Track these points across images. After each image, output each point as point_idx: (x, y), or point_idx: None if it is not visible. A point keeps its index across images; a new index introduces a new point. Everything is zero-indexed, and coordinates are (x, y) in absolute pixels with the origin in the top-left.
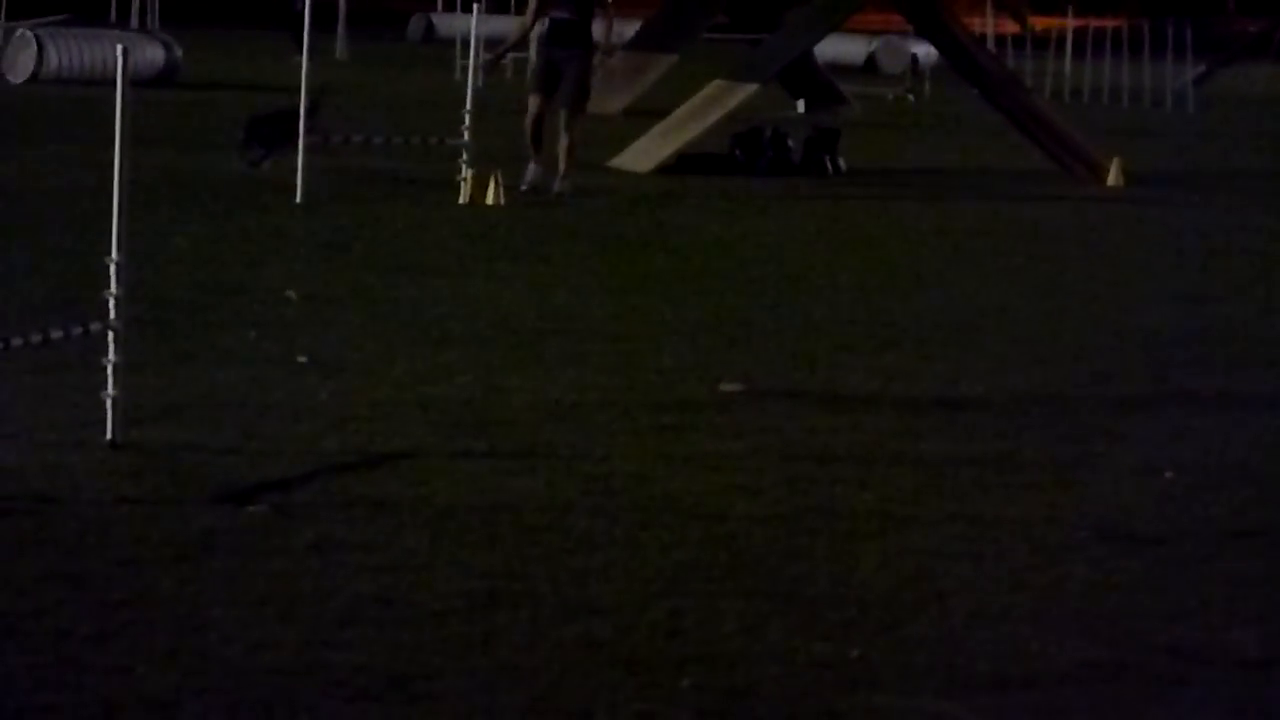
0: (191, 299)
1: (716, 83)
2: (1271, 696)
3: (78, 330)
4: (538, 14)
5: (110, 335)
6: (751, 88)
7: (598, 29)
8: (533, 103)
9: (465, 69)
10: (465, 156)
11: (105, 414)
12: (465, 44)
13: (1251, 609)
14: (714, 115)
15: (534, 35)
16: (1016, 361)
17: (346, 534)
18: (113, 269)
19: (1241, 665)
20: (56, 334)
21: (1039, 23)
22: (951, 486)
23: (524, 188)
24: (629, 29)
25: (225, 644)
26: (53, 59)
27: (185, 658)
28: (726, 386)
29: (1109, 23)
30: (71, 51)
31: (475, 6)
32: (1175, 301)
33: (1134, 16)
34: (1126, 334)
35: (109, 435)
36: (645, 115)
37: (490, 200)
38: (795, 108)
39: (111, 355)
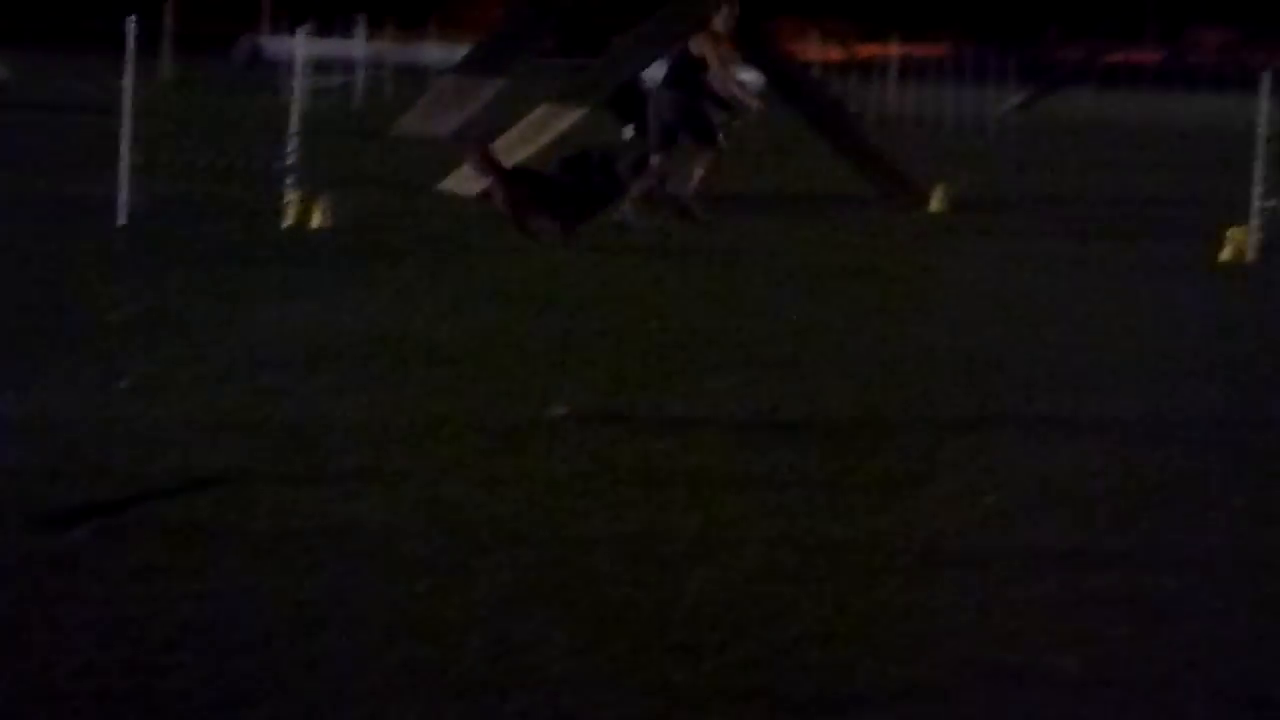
0: (10, 322)
1: (544, 107)
2: (1091, 717)
3: None
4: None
5: None
6: (579, 112)
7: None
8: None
9: (293, 92)
10: (290, 180)
11: None
12: (292, 67)
13: (1071, 631)
14: (542, 139)
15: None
16: (841, 384)
17: (170, 559)
18: None
19: (1062, 687)
20: None
21: (863, 50)
22: (778, 508)
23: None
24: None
25: (47, 669)
26: None
27: (4, 684)
28: (554, 410)
29: (932, 50)
30: None
31: (300, 30)
32: (996, 325)
33: (957, 44)
34: (949, 357)
35: None
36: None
37: (316, 223)
38: (624, 132)
39: None
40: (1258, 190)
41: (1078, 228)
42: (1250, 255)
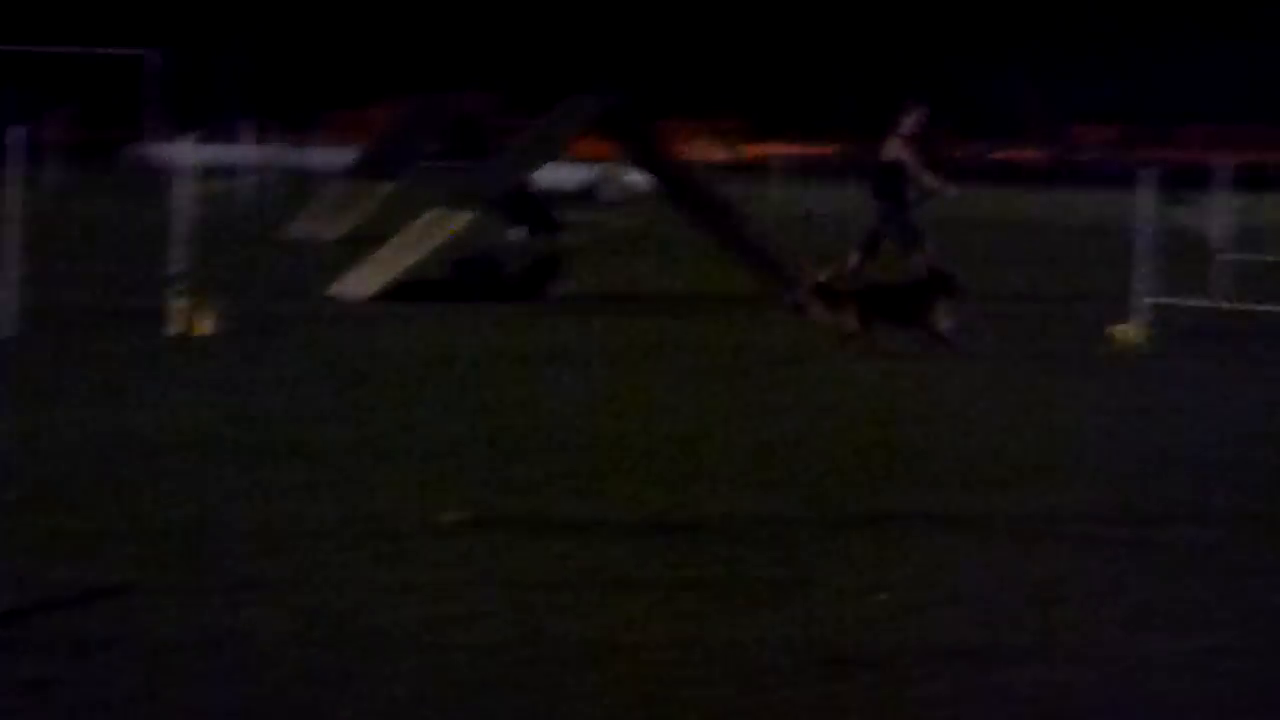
0: None
1: (435, 210)
2: None
3: None
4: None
5: None
6: (470, 214)
7: None
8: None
9: (180, 198)
10: (178, 287)
11: None
12: (180, 173)
13: None
14: (432, 242)
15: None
16: (734, 484)
17: (61, 671)
18: None
19: None
20: None
21: (751, 150)
22: (671, 611)
23: None
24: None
25: None
26: None
27: None
28: (447, 515)
29: (820, 150)
30: None
31: (187, 136)
32: (887, 421)
33: (845, 143)
34: (845, 455)
35: None
36: (364, 242)
37: (203, 329)
38: (514, 234)
39: None
40: (1141, 286)
41: (967, 324)
42: (1135, 350)
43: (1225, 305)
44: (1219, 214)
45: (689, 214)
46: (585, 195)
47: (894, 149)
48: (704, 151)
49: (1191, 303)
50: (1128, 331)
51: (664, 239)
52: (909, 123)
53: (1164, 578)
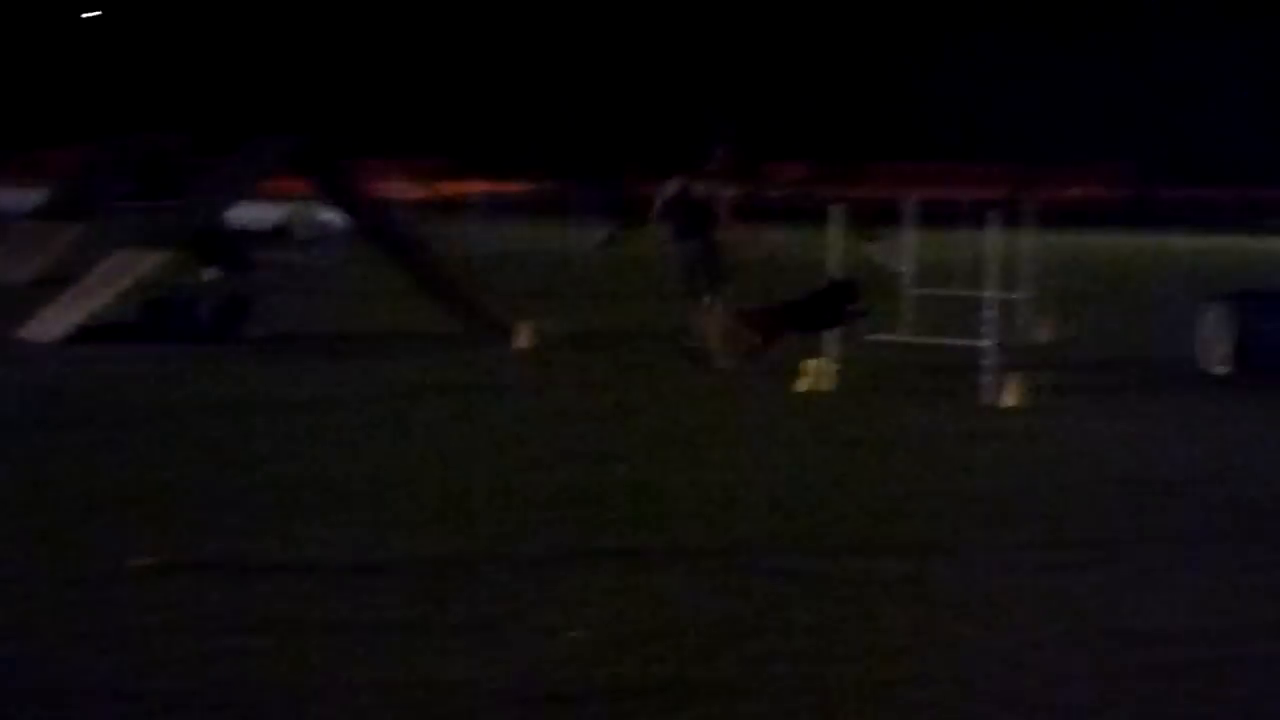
0: None
1: (126, 251)
2: None
3: None
4: None
5: None
6: (160, 255)
7: None
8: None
9: None
10: None
11: None
12: None
13: None
14: (122, 283)
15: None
16: (428, 524)
17: None
18: None
19: None
20: None
21: (448, 188)
22: (366, 652)
23: None
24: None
25: None
26: None
27: None
28: (137, 561)
29: (517, 187)
30: None
31: None
32: (577, 461)
33: (543, 180)
34: (536, 494)
35: None
36: (54, 284)
37: None
38: (206, 274)
39: None
40: None
41: (668, 360)
42: (827, 385)
43: (915, 339)
44: (907, 250)
45: (383, 252)
46: (279, 234)
47: (702, 188)
48: (400, 190)
49: (883, 337)
50: (820, 366)
51: (358, 277)
52: (717, 161)
53: (854, 609)
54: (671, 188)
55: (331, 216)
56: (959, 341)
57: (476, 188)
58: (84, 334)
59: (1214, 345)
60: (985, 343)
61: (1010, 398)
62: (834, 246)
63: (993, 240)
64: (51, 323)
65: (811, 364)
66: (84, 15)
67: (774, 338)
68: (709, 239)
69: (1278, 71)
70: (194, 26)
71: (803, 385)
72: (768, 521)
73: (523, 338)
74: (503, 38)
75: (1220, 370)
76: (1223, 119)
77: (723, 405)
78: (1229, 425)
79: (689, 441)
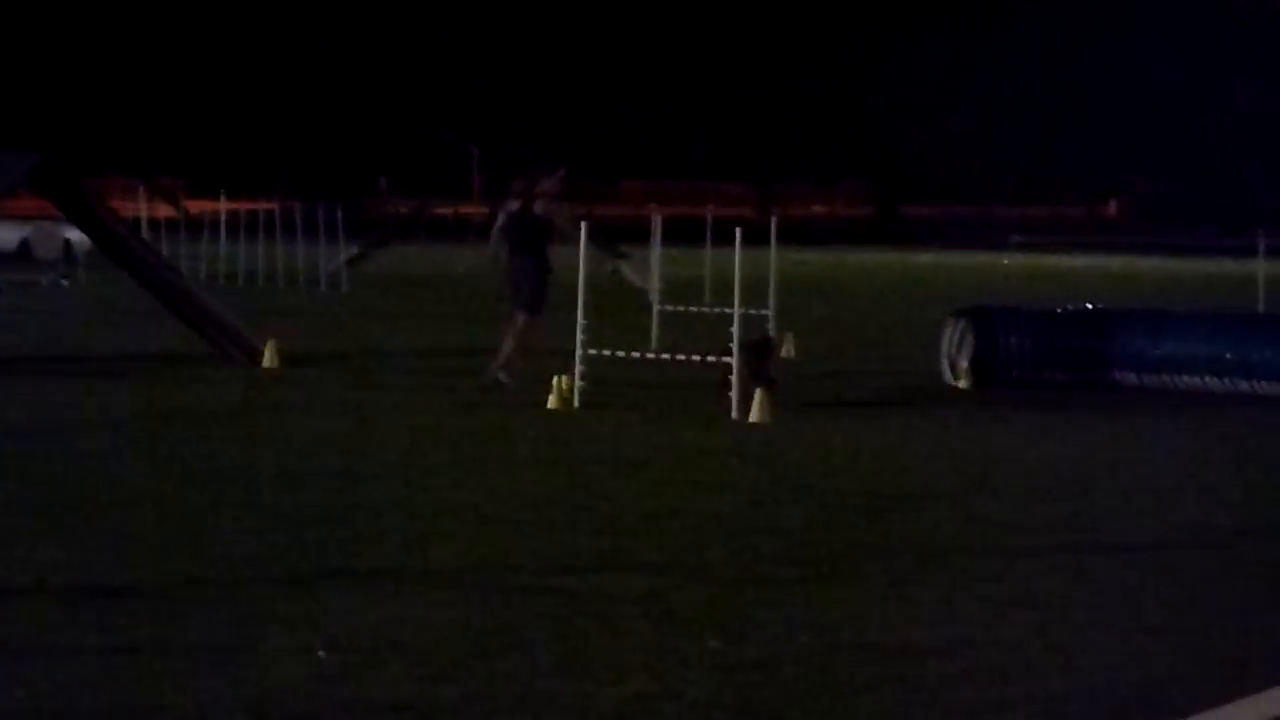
0: None
1: None
2: None
3: None
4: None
5: None
6: None
7: None
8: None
9: None
10: None
11: None
12: None
13: None
14: None
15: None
16: (172, 546)
17: None
18: None
19: None
20: None
21: (193, 206)
22: (108, 676)
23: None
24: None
25: None
26: None
27: None
28: None
29: (262, 205)
30: None
31: None
32: (327, 479)
33: (286, 199)
34: (280, 514)
35: None
36: None
37: None
38: None
39: None
40: (580, 339)
41: (413, 379)
42: (575, 402)
43: (662, 356)
44: (654, 267)
45: (127, 271)
46: (20, 253)
47: (541, 207)
48: (146, 208)
49: (629, 353)
50: (566, 383)
51: (102, 298)
52: (552, 182)
53: (601, 625)
54: (511, 206)
55: (75, 236)
56: (705, 357)
57: (222, 206)
58: None
59: (956, 360)
60: (729, 359)
61: (756, 413)
62: (583, 263)
63: (738, 257)
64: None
65: (560, 380)
66: None
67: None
68: (543, 258)
69: (1016, 90)
70: None
71: (552, 402)
72: (515, 539)
73: (269, 357)
74: (250, 57)
75: (962, 384)
76: (965, 137)
77: (471, 423)
78: (970, 439)
79: (437, 459)
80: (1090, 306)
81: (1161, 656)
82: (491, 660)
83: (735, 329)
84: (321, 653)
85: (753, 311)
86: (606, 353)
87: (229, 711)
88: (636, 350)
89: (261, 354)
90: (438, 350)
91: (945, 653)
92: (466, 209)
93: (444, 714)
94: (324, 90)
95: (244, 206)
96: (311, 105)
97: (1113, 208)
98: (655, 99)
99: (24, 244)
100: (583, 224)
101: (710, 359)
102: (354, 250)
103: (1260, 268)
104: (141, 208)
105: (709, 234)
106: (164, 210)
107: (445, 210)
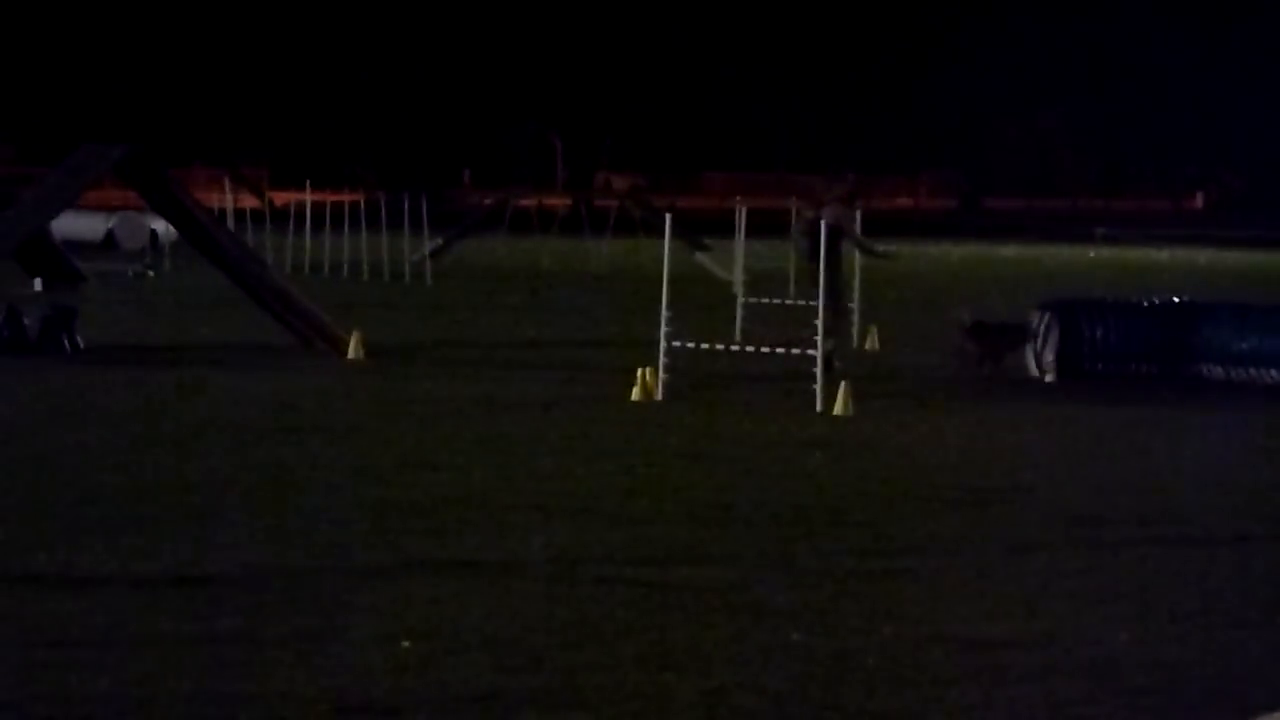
0: None
1: None
2: None
3: None
4: None
5: None
6: None
7: None
8: None
9: None
10: None
11: None
12: None
13: None
14: None
15: None
16: (257, 536)
17: None
18: None
19: None
20: None
21: (278, 198)
22: (191, 665)
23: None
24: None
25: None
26: None
27: None
28: None
29: (346, 197)
30: None
31: None
32: (411, 470)
33: (370, 191)
34: (364, 504)
35: None
36: None
37: None
38: (32, 285)
39: None
40: (664, 330)
41: (496, 371)
42: (659, 394)
43: (746, 348)
44: (738, 259)
45: (212, 262)
46: (106, 244)
47: (830, 213)
48: (232, 198)
49: (713, 345)
50: (650, 375)
51: (188, 288)
52: (842, 187)
53: (683, 617)
54: (807, 211)
55: (161, 226)
56: (790, 350)
57: (308, 197)
58: None
59: (1041, 352)
60: (814, 351)
61: (840, 406)
62: (665, 256)
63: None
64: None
65: (644, 372)
66: None
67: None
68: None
69: (1103, 82)
70: (17, 35)
71: (635, 394)
72: (598, 531)
73: (353, 348)
74: (337, 48)
75: (1048, 377)
76: (1048, 131)
77: (554, 415)
78: (1053, 432)
79: (520, 451)
80: (1175, 299)
81: (1245, 652)
82: (573, 651)
83: (819, 321)
84: (405, 642)
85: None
86: (690, 345)
87: (311, 701)
88: (720, 342)
89: (346, 344)
90: (520, 342)
91: (1029, 646)
92: (550, 200)
93: (526, 704)
94: (409, 81)
95: (328, 198)
96: (396, 96)
97: (1199, 200)
98: (740, 90)
99: (110, 234)
100: (668, 216)
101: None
102: (438, 242)
103: None
104: (226, 198)
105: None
106: (248, 200)
107: (528, 202)
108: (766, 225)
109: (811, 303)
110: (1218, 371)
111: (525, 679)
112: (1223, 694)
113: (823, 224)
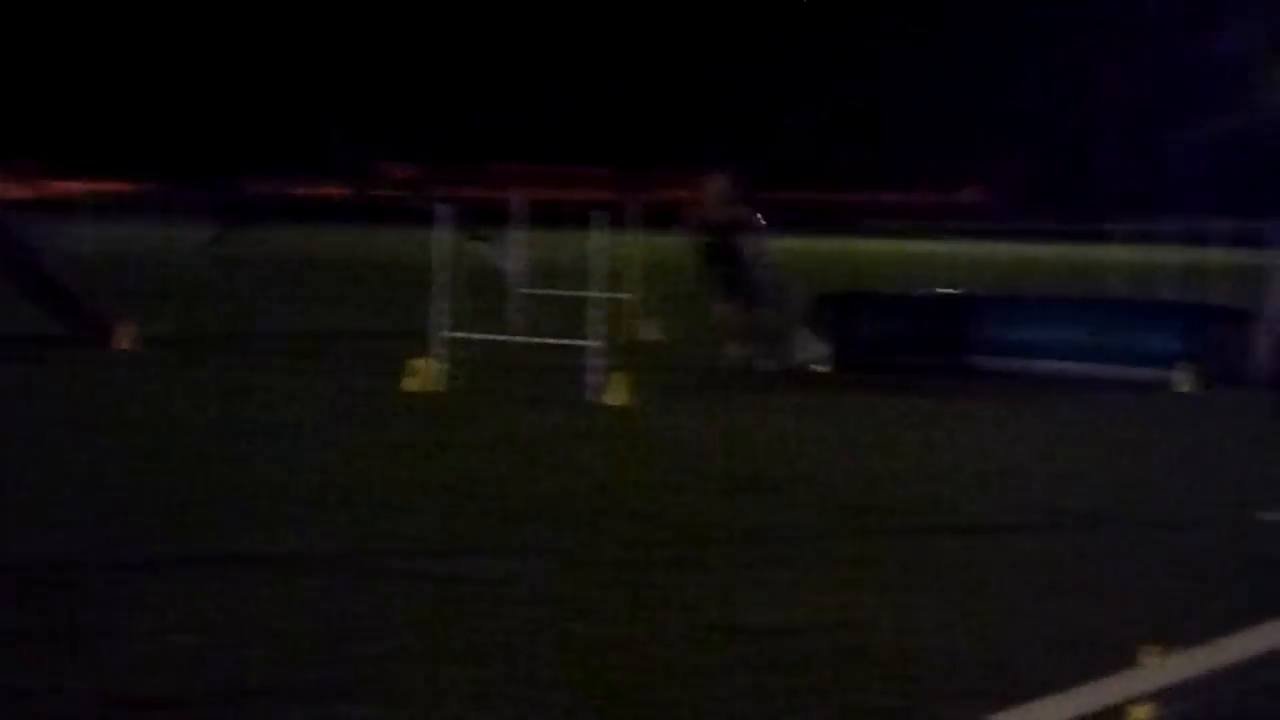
0: None
1: None
2: None
3: None
4: None
5: None
6: None
7: None
8: None
9: None
10: None
11: None
12: None
13: None
14: None
15: None
16: (26, 528)
17: None
18: None
19: None
20: None
21: (49, 187)
22: None
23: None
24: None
25: None
26: None
27: None
28: None
29: (121, 186)
30: None
31: None
32: (181, 463)
33: (145, 180)
34: (136, 497)
35: None
36: None
37: None
38: None
39: None
40: (440, 321)
41: (275, 361)
42: (434, 384)
43: (520, 339)
44: (516, 250)
45: None
46: None
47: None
48: (2, 189)
49: (489, 336)
50: (426, 366)
51: None
52: (721, 184)
53: (461, 609)
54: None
55: None
56: (564, 341)
57: (81, 186)
58: None
59: (815, 343)
60: (590, 342)
61: (619, 396)
62: (441, 246)
63: (598, 241)
64: None
65: (419, 363)
66: None
67: None
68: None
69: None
70: None
71: (412, 384)
72: (374, 523)
73: (123, 339)
74: (106, 37)
75: (821, 368)
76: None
77: (332, 404)
78: (827, 422)
79: (298, 442)
80: (946, 291)
81: (1013, 636)
82: (354, 644)
83: (594, 312)
84: (182, 636)
85: (616, 296)
86: (465, 335)
87: (79, 696)
88: (495, 333)
89: (119, 336)
90: (299, 332)
91: (804, 633)
92: (325, 189)
93: (305, 697)
94: (193, 68)
95: (103, 186)
96: (177, 82)
97: (970, 194)
98: (518, 81)
99: None
100: (437, 205)
101: None
102: (214, 232)
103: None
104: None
105: (569, 218)
106: (19, 190)
107: (304, 191)
108: (548, 217)
109: (594, 294)
110: (991, 363)
111: (303, 673)
112: (994, 678)
113: (713, 223)
